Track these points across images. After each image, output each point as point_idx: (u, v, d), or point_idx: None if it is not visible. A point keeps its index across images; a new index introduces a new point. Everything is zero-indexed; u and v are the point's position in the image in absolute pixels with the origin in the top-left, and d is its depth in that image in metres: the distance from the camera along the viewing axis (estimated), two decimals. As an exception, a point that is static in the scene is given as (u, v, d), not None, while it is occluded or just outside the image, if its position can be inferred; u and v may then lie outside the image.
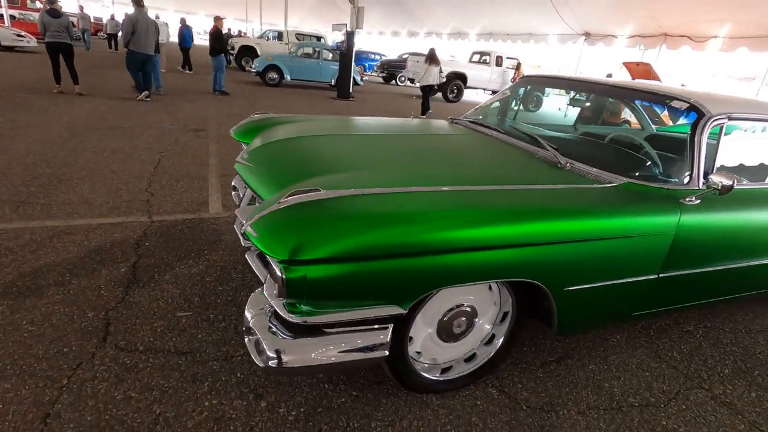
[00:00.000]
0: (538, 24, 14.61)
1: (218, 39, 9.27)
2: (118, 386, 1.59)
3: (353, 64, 11.82)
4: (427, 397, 1.71)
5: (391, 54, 21.42)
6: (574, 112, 2.75)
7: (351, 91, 11.51)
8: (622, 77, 14.02)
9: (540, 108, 2.98)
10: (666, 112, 2.06)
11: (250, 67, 12.11)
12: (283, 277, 1.19)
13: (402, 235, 1.26)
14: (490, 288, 1.68)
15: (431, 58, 9.69)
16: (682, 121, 1.94)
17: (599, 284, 1.69)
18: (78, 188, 3.36)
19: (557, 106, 2.84)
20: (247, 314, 1.41)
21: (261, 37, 16.71)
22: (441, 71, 10.01)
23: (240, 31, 28.30)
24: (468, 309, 1.65)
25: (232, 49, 15.72)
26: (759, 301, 2.88)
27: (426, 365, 1.72)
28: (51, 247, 2.48)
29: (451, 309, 1.61)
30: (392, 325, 1.41)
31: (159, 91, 8.28)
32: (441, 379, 1.71)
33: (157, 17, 12.18)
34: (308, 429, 1.51)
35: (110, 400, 1.53)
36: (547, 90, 2.97)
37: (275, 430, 1.49)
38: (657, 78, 10.25)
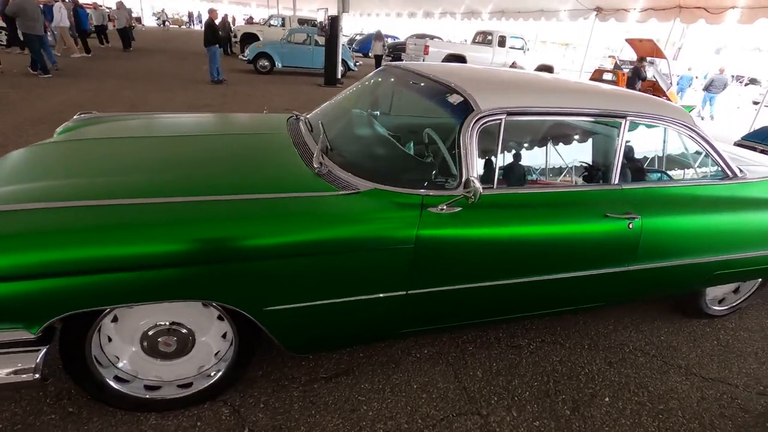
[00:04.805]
0: (549, 0, 13.75)
1: (211, 31, 9.41)
2: None
3: (343, 48, 11.69)
4: (147, 416, 1.64)
5: (404, 36, 20.88)
6: (418, 110, 2.48)
7: (340, 77, 11.36)
8: (628, 54, 12.99)
9: (394, 103, 2.73)
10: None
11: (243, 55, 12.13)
12: None
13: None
14: (204, 305, 1.58)
15: (377, 37, 14.12)
16: (456, 118, 1.71)
17: (319, 303, 1.54)
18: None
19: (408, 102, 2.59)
20: None
21: (265, 23, 16.73)
22: (384, 46, 14.59)
23: (251, 17, 28.46)
24: (175, 327, 1.56)
25: (235, 36, 15.85)
26: (624, 312, 2.59)
27: (152, 383, 1.64)
28: None
29: (150, 328, 1.53)
30: (45, 348, 1.34)
31: (56, 66, 9.08)
32: (157, 398, 1.63)
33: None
34: (-6, 446, 1.49)
35: None
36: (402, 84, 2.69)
37: (-43, 447, 1.48)
38: (662, 55, 9.39)
